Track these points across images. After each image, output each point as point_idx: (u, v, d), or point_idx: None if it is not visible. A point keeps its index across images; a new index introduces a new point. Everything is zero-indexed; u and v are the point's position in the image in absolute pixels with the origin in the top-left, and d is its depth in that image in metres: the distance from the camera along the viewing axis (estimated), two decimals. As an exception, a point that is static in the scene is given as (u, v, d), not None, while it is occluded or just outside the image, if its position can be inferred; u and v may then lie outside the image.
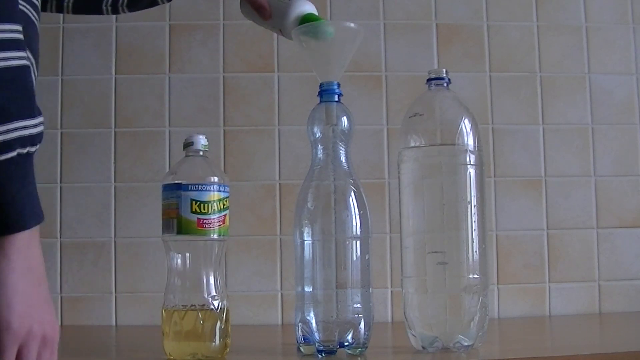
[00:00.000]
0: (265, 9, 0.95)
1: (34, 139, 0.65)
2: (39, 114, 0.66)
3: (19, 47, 0.64)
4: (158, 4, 1.02)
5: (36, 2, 0.74)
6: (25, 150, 0.64)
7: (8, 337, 0.63)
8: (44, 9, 0.96)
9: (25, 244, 0.64)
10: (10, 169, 0.63)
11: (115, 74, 1.30)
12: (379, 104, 1.32)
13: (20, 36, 0.65)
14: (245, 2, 0.98)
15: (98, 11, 1.00)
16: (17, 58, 0.64)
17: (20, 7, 0.70)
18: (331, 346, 0.82)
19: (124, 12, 1.01)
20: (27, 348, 0.64)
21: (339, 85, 0.88)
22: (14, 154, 0.63)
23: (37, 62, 0.73)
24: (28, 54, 0.68)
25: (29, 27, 0.71)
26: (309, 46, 0.90)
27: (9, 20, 0.64)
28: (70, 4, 0.98)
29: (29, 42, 0.70)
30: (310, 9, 0.94)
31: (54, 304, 0.69)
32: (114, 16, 1.29)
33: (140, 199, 1.27)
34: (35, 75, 0.73)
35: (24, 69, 0.65)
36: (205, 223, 0.82)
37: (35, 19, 0.73)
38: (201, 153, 0.86)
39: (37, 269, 0.66)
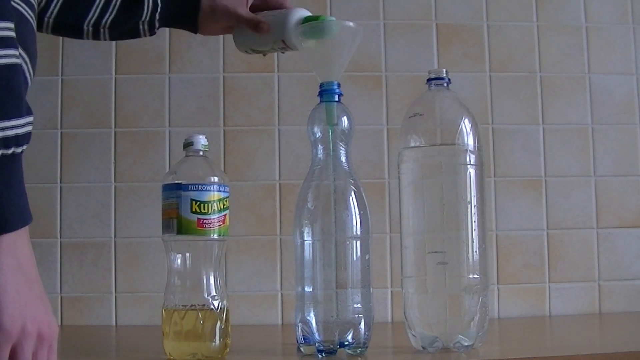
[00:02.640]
0: (263, 23, 0.96)
1: (19, 140, 0.63)
2: (28, 113, 0.65)
3: (7, 45, 0.63)
4: (140, 36, 1.00)
5: (32, 1, 0.73)
6: (10, 151, 0.63)
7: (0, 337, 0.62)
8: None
9: (12, 244, 0.64)
10: None
11: (115, 74, 1.30)
12: (379, 104, 1.32)
13: (10, 34, 0.64)
14: (239, 28, 0.99)
15: (79, 32, 0.97)
16: (4, 56, 0.63)
17: (14, 5, 0.70)
18: (331, 346, 0.82)
19: (105, 38, 0.99)
20: (20, 347, 0.64)
21: (339, 85, 0.88)
22: None
23: (32, 61, 0.72)
24: (21, 52, 0.67)
25: (24, 25, 0.70)
26: (309, 46, 0.90)
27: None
28: (51, 21, 0.95)
29: (24, 40, 0.69)
30: (307, 13, 0.95)
31: (53, 304, 0.68)
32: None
33: (140, 199, 1.27)
34: (30, 74, 0.72)
35: (11, 67, 0.63)
36: (205, 223, 0.82)
37: (31, 17, 0.72)
38: (201, 153, 0.86)
39: (27, 268, 0.65)
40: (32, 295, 0.65)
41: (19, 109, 0.64)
